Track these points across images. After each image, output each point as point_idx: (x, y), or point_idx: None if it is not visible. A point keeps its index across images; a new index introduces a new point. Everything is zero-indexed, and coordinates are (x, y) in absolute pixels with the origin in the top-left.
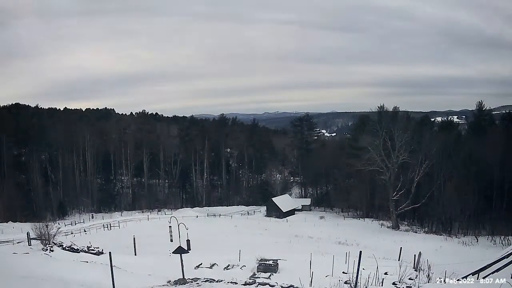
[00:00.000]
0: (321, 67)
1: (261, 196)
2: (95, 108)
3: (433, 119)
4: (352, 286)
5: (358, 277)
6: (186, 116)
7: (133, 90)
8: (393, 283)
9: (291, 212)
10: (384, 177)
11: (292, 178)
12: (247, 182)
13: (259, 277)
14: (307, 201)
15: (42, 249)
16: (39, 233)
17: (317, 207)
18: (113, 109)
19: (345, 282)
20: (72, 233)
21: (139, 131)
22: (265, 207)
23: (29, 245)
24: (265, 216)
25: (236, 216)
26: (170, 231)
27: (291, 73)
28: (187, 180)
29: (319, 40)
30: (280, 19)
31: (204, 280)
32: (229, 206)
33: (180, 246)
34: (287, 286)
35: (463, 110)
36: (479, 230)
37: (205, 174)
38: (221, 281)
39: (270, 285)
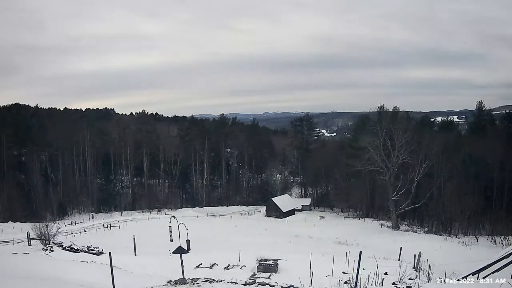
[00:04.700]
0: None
1: (261, 196)
2: (95, 108)
3: (433, 119)
4: (352, 286)
5: (358, 277)
6: (186, 116)
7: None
8: (393, 283)
9: (291, 212)
10: (384, 177)
11: (292, 178)
12: (247, 182)
13: (259, 277)
14: (307, 201)
15: (42, 249)
16: (39, 233)
17: (317, 207)
18: (113, 109)
19: (345, 282)
20: (72, 233)
21: (139, 131)
22: (265, 207)
23: (29, 245)
24: (265, 216)
25: (236, 216)
26: (170, 231)
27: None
28: (187, 180)
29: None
30: None
31: (204, 280)
32: (229, 206)
33: (180, 246)
34: (287, 286)
35: (463, 110)
36: (479, 230)
37: (205, 174)
38: (221, 281)
39: (270, 285)
